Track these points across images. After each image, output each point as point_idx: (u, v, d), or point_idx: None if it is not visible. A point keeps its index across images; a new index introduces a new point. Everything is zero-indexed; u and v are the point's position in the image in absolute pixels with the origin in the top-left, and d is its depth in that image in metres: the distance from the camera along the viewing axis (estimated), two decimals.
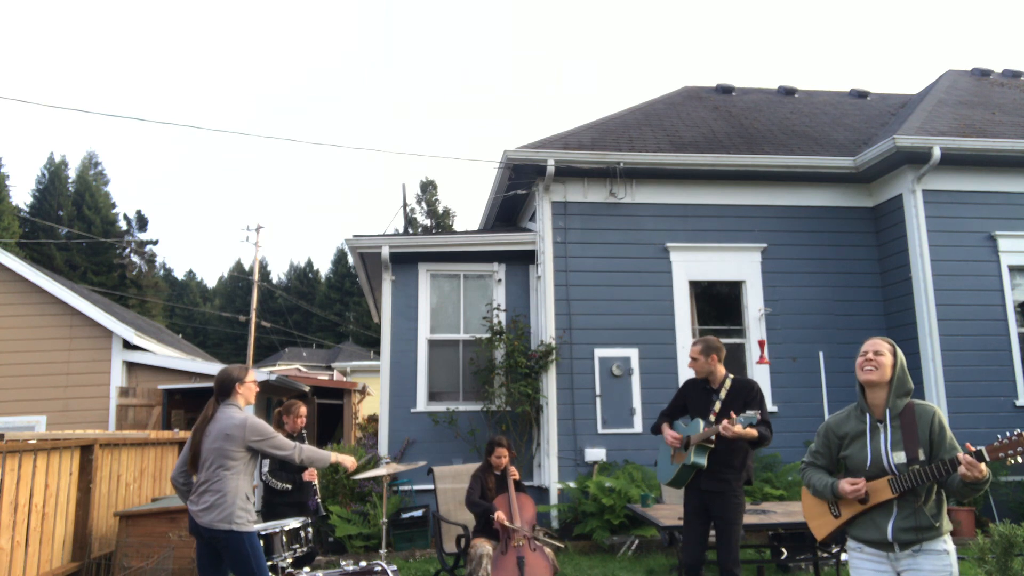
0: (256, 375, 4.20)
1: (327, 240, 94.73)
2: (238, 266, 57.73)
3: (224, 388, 4.04)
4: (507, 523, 5.04)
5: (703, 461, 4.43)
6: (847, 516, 2.99)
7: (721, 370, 4.62)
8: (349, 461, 4.32)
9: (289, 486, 5.56)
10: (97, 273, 39.50)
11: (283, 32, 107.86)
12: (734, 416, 4.20)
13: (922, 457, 2.85)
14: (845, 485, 2.92)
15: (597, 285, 9.08)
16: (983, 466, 2.66)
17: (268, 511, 5.48)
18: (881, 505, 2.88)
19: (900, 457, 2.86)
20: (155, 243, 46.69)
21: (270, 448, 3.96)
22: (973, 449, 2.71)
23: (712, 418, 4.48)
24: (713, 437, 4.38)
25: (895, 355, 2.99)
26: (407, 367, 9.15)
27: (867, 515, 2.92)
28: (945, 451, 2.85)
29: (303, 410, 5.84)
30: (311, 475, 5.53)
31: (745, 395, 4.51)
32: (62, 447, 5.65)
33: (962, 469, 2.67)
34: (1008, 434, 2.72)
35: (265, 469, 5.42)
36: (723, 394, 4.54)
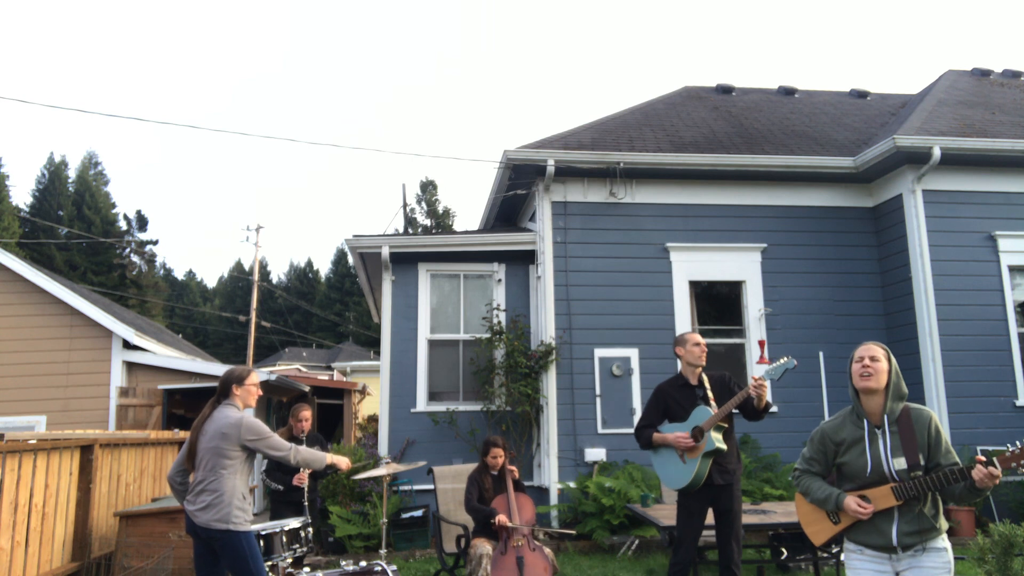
0: (259, 377, 4.19)
1: (327, 240, 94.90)
2: (238, 266, 57.77)
3: (224, 388, 4.06)
4: (509, 524, 5.03)
5: (724, 445, 4.50)
6: (847, 523, 2.99)
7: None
8: (344, 462, 4.30)
9: (281, 487, 5.60)
10: (97, 273, 39.49)
11: (284, 32, 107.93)
12: (755, 378, 4.30)
13: (922, 462, 2.85)
14: (852, 504, 2.89)
15: (597, 285, 9.08)
16: (998, 471, 2.66)
17: (272, 510, 5.57)
18: (883, 510, 2.88)
19: (900, 463, 2.86)
20: (155, 243, 46.73)
21: (266, 448, 3.96)
22: (983, 458, 2.71)
23: (712, 405, 4.56)
24: (727, 415, 4.47)
25: (890, 360, 2.99)
26: (407, 367, 9.15)
27: (869, 520, 2.91)
28: (942, 455, 2.87)
29: (305, 413, 5.80)
30: (299, 480, 5.44)
31: (727, 383, 4.69)
32: (62, 447, 5.65)
33: (981, 479, 2.67)
34: (1019, 443, 2.73)
35: (263, 468, 5.44)
36: (708, 386, 4.66)
